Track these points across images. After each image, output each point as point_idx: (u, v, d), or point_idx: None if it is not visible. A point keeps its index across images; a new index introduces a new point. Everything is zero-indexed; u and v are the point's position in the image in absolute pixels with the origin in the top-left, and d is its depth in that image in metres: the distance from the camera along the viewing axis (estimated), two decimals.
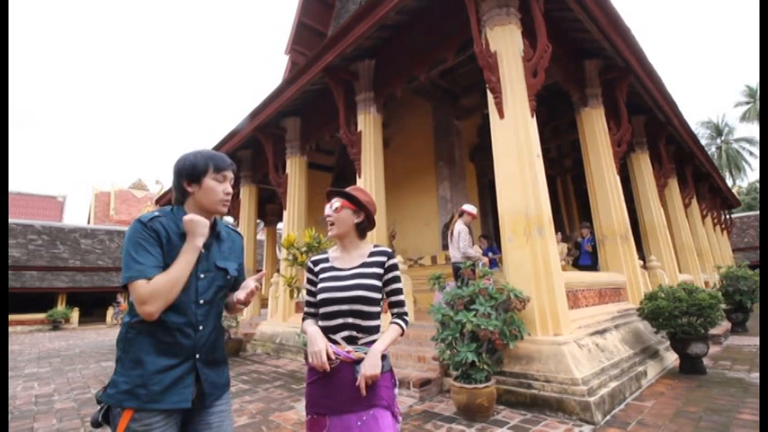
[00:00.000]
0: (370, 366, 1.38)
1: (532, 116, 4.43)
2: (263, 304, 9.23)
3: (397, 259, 1.57)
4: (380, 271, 1.54)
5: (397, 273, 1.57)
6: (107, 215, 34.86)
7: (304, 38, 12.12)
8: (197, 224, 1.25)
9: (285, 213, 8.14)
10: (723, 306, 4.53)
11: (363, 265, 1.54)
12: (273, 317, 8.17)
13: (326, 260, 1.62)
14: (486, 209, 8.91)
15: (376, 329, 1.51)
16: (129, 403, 1.13)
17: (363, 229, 1.63)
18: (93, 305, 22.24)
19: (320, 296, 1.52)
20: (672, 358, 4.83)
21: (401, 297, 1.58)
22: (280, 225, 16.36)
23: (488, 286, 3.61)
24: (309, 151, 8.39)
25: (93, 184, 36.52)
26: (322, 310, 1.51)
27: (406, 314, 1.56)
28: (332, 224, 1.59)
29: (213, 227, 1.37)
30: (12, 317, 19.60)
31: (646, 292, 5.22)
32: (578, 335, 3.88)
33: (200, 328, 1.27)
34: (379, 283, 1.52)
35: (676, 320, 4.31)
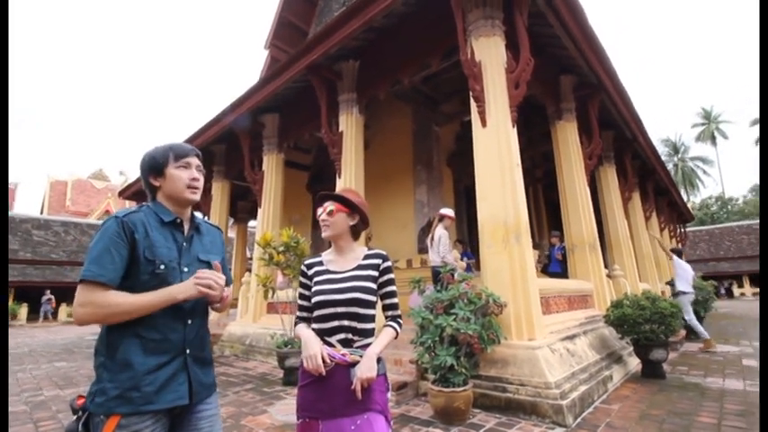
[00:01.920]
0: (367, 369, 1.38)
1: (513, 126, 4.56)
2: (233, 304, 8.98)
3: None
4: (375, 273, 1.55)
5: (391, 275, 1.59)
6: (63, 206, 33.00)
7: (284, 34, 11.93)
8: (192, 288, 1.18)
9: (260, 211, 7.97)
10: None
11: (359, 267, 1.55)
12: (243, 317, 7.96)
13: (320, 263, 1.61)
14: (461, 214, 9.04)
15: (371, 332, 1.51)
16: (121, 409, 1.08)
17: (358, 231, 1.64)
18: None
19: (315, 299, 1.50)
20: (634, 363, 5.07)
21: (395, 300, 1.59)
22: (251, 223, 16.00)
23: (468, 291, 3.67)
24: (286, 149, 8.26)
25: (48, 172, 34.48)
26: (316, 313, 1.50)
27: (400, 317, 1.58)
28: (326, 227, 1.58)
29: (192, 219, 1.36)
30: None
31: (611, 299, 5.46)
32: (551, 340, 4.01)
33: (189, 321, 1.24)
34: (374, 286, 1.53)
35: (640, 327, 4.53)
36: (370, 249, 1.62)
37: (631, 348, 4.96)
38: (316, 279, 1.55)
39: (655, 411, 3.39)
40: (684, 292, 6.99)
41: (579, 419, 3.24)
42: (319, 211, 1.60)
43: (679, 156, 46.26)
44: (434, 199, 8.42)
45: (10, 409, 4.07)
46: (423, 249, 7.92)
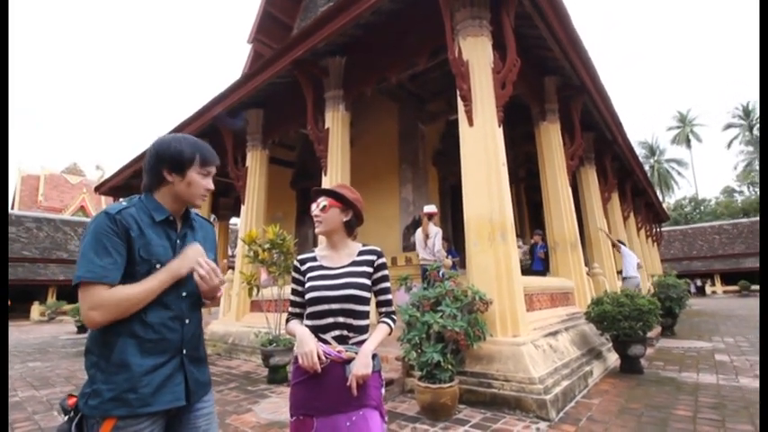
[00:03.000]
0: (362, 366, 1.37)
1: (499, 126, 4.61)
2: (216, 302, 8.83)
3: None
4: (370, 270, 1.54)
5: (386, 272, 1.58)
6: (35, 201, 31.80)
7: (268, 28, 11.75)
8: (194, 260, 1.18)
9: (243, 208, 7.85)
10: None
11: (353, 263, 1.54)
12: (226, 316, 7.85)
13: (314, 259, 1.59)
14: (446, 213, 9.11)
15: (366, 329, 1.51)
16: (118, 411, 1.04)
17: (352, 226, 1.62)
18: (15, 299, 20.11)
19: (309, 295, 1.49)
20: (613, 358, 5.21)
21: (389, 296, 1.59)
22: (233, 220, 15.76)
23: (454, 288, 3.71)
24: (271, 145, 8.16)
25: (19, 166, 33.14)
26: (310, 309, 1.49)
27: (394, 313, 1.58)
28: (319, 222, 1.57)
29: (185, 215, 1.31)
30: None
31: (591, 297, 5.59)
32: (534, 336, 4.08)
33: (187, 321, 1.20)
34: (368, 282, 1.52)
35: (619, 324, 4.65)
36: (365, 246, 1.61)
37: (611, 344, 5.09)
38: (309, 275, 1.53)
39: (633, 405, 3.49)
40: (631, 277, 7.71)
41: (562, 414, 3.31)
42: (313, 206, 1.59)
43: (655, 158, 47.71)
44: (420, 197, 8.45)
45: None
46: (408, 247, 7.96)
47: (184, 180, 1.22)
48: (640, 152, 46.84)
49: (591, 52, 6.23)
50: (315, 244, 10.06)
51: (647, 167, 43.12)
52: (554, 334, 4.52)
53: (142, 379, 1.07)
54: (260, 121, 8.00)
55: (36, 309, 20.91)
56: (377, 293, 1.57)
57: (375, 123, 9.25)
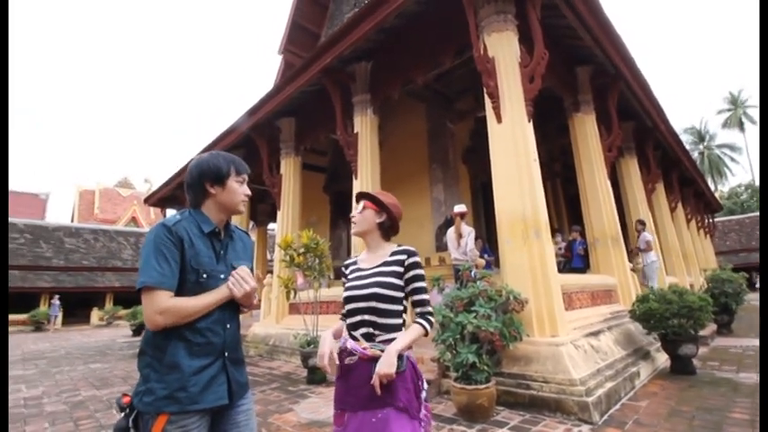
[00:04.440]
0: (385, 365, 1.39)
1: (529, 121, 4.51)
2: (256, 306, 9.15)
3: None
4: (400, 269, 1.54)
5: (418, 271, 1.56)
6: (91, 214, 34.16)
7: (298, 38, 12.08)
8: (244, 288, 1.29)
9: (279, 214, 8.10)
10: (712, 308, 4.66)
11: (384, 264, 1.57)
12: (266, 318, 8.11)
13: (355, 262, 1.69)
14: (479, 211, 8.99)
15: (394, 327, 1.52)
16: (170, 408, 1.15)
17: (387, 229, 1.66)
18: (76, 305, 21.73)
19: (344, 294, 1.60)
20: (663, 359, 4.95)
21: (424, 296, 1.56)
22: (271, 225, 16.25)
23: (487, 288, 3.67)
24: (303, 152, 8.38)
25: (76, 182, 35.77)
26: (345, 308, 1.58)
27: (430, 314, 1.55)
28: (354, 223, 1.66)
29: (227, 226, 1.42)
30: None
31: (636, 294, 5.34)
32: (574, 336, 3.96)
33: (228, 326, 1.31)
34: (397, 282, 1.53)
35: (667, 322, 4.42)
36: (399, 246, 1.62)
37: (659, 344, 4.85)
38: (349, 276, 1.64)
39: (684, 408, 3.31)
40: (653, 261, 7.48)
41: (606, 416, 3.20)
42: (354, 209, 1.69)
43: (705, 144, 44.59)
44: (451, 197, 8.39)
45: (50, 408, 4.29)
46: (441, 247, 7.92)
47: (225, 190, 1.35)
48: (687, 139, 43.99)
49: (625, 37, 5.96)
50: (349, 247, 10.19)
51: (695, 155, 40.49)
52: (596, 333, 4.36)
53: (191, 379, 1.18)
54: (292, 128, 8.23)
55: (95, 314, 22.45)
56: (410, 293, 1.56)
57: (403, 125, 9.28)
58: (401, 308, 1.54)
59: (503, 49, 4.57)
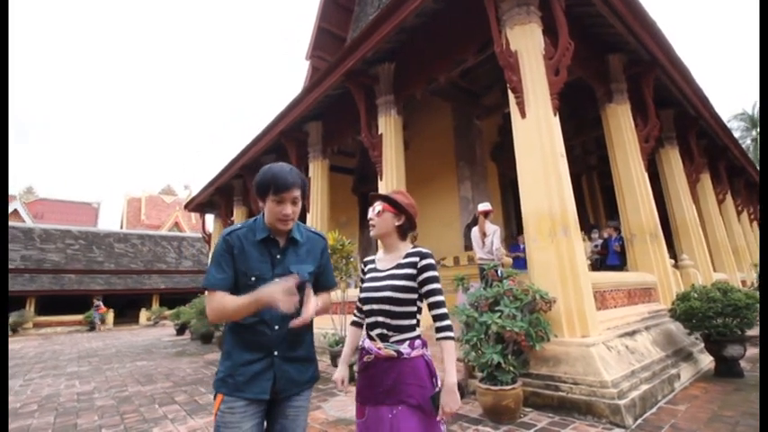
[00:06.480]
0: (452, 402, 1.43)
1: (555, 115, 4.39)
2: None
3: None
4: (413, 271, 1.54)
5: (431, 273, 1.53)
6: (139, 220, 36.21)
7: (324, 43, 12.28)
8: (268, 293, 1.28)
9: (308, 216, 8.28)
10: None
11: (398, 266, 1.58)
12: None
13: (373, 261, 1.71)
14: (508, 209, 8.81)
15: (407, 328, 1.53)
16: (222, 389, 1.35)
17: (405, 231, 1.66)
18: (126, 307, 23.11)
19: (360, 295, 1.64)
20: (707, 361, 4.67)
21: (438, 298, 1.51)
22: None
23: (513, 287, 3.60)
24: (330, 154, 8.52)
25: (125, 191, 38.07)
26: (363, 308, 1.63)
27: (446, 317, 1.50)
28: (373, 226, 1.66)
29: (289, 233, 1.48)
30: (52, 318, 20.67)
31: (678, 292, 5.06)
32: (607, 336, 3.82)
33: (276, 327, 1.39)
34: (410, 284, 1.53)
35: (711, 321, 4.17)
36: (414, 248, 1.61)
37: (702, 345, 4.58)
38: (366, 276, 1.67)
39: (727, 413, 3.11)
40: None
41: (640, 420, 3.06)
42: (369, 211, 1.69)
43: (758, 130, 41.43)
44: (480, 195, 8.26)
45: (100, 403, 4.60)
46: (469, 246, 7.82)
47: (265, 206, 1.44)
48: (738, 125, 41.04)
49: (660, 20, 5.66)
50: (377, 247, 10.27)
51: (748, 141, 37.69)
52: (631, 334, 4.18)
53: (239, 369, 1.35)
54: (319, 132, 8.40)
55: (143, 314, 23.78)
56: (424, 296, 1.54)
57: (429, 124, 9.24)
58: (414, 309, 1.55)
59: (526, 42, 4.47)
